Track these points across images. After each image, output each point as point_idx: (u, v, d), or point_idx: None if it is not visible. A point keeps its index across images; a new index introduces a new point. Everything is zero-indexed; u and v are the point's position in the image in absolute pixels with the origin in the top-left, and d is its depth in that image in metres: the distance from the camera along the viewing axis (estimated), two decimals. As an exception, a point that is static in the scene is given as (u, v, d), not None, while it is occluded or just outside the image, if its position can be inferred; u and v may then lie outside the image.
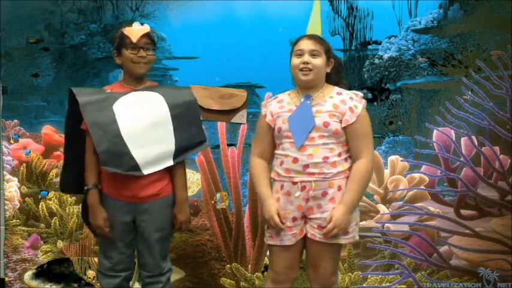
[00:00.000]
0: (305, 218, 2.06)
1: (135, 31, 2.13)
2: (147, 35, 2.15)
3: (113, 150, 2.06)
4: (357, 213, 2.08)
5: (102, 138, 2.05)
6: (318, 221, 2.02)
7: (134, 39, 2.11)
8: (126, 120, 2.08)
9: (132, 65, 2.14)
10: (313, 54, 2.01)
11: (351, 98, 2.05)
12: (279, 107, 2.09)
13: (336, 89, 2.10)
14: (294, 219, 2.04)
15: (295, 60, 2.03)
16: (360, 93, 2.09)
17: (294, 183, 2.02)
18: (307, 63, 2.00)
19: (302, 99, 2.05)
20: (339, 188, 2.02)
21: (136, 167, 2.07)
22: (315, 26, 2.09)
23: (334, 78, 2.13)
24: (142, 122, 2.10)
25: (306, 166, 1.99)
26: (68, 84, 2.24)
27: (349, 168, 2.05)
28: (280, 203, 2.05)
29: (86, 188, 2.16)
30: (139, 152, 2.07)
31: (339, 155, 2.02)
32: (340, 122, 2.01)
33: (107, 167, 2.06)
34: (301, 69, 2.01)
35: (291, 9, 2.74)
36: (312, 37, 2.07)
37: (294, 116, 2.03)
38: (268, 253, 2.23)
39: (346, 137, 2.04)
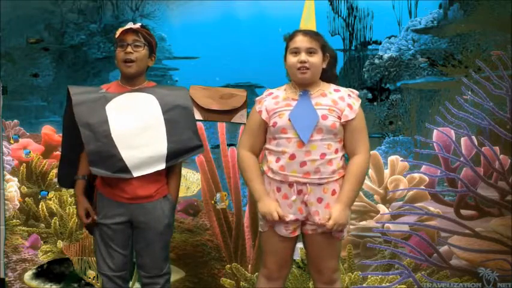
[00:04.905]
0: (303, 220, 2.06)
1: (121, 28, 2.13)
2: (135, 32, 2.12)
3: (101, 151, 2.05)
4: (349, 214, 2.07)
5: (91, 139, 2.05)
6: (317, 222, 2.03)
7: (118, 35, 2.11)
8: (118, 121, 2.07)
9: (121, 64, 2.13)
10: (309, 52, 1.98)
11: (349, 95, 2.05)
12: (274, 103, 2.06)
13: (333, 86, 2.08)
14: (296, 220, 2.04)
15: (292, 59, 2.00)
16: (356, 91, 2.09)
17: (290, 185, 2.00)
18: (304, 62, 1.97)
19: (301, 94, 2.02)
20: (333, 193, 2.01)
21: (125, 168, 2.06)
22: (308, 22, 2.05)
23: (329, 74, 2.10)
24: (134, 123, 2.08)
25: (303, 163, 1.97)
26: (68, 84, 2.24)
27: (343, 167, 2.04)
28: (280, 205, 2.04)
29: (74, 178, 2.20)
30: (129, 154, 2.06)
31: (336, 151, 2.00)
32: (339, 118, 1.99)
33: (95, 168, 2.06)
34: (298, 68, 1.98)
35: (291, 10, 2.74)
36: (308, 33, 2.01)
37: (295, 111, 1.99)
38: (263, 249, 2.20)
39: (344, 134, 2.03)
